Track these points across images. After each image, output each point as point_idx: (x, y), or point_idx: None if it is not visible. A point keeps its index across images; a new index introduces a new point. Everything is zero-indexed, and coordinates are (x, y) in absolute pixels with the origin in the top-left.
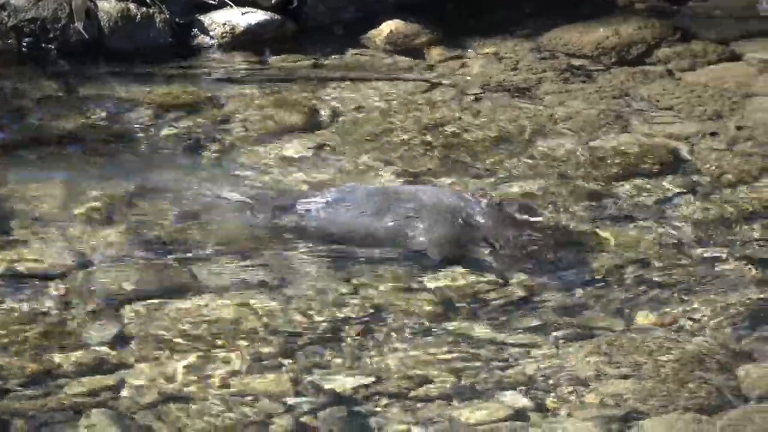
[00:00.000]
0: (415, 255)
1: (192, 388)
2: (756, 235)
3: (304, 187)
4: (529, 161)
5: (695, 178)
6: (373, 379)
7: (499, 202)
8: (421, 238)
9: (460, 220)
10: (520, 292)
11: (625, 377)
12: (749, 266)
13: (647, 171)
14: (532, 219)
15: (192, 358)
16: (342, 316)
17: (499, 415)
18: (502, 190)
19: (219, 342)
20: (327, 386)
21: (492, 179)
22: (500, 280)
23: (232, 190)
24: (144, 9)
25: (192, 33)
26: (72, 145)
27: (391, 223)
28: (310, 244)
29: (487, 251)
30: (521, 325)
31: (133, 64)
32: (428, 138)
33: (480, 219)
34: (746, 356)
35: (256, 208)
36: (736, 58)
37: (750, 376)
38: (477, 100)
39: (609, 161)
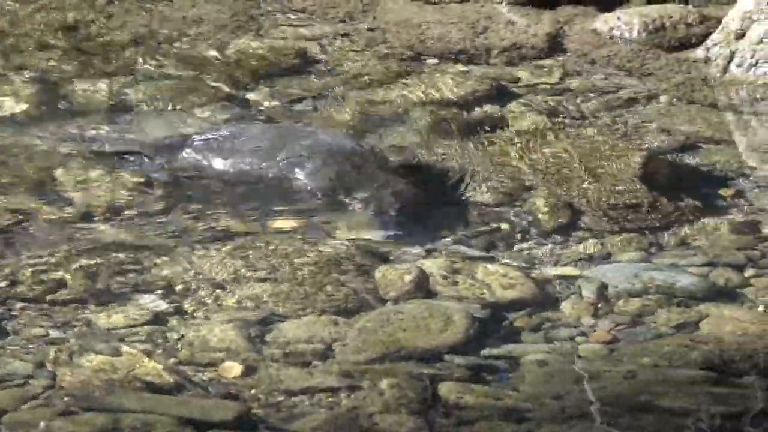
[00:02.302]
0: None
1: None
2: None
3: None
4: (164, 64)
5: (329, 80)
6: (7, 282)
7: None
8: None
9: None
10: (158, 199)
11: (263, 280)
12: None
13: (281, 73)
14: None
15: None
16: None
17: (137, 319)
18: (129, 95)
19: None
20: None
21: (126, 81)
22: (142, 187)
23: None
24: None
25: None
26: None
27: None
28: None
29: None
30: (158, 230)
31: None
32: (62, 42)
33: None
34: (382, 258)
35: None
36: None
37: (386, 277)
38: (110, 2)
39: (242, 64)
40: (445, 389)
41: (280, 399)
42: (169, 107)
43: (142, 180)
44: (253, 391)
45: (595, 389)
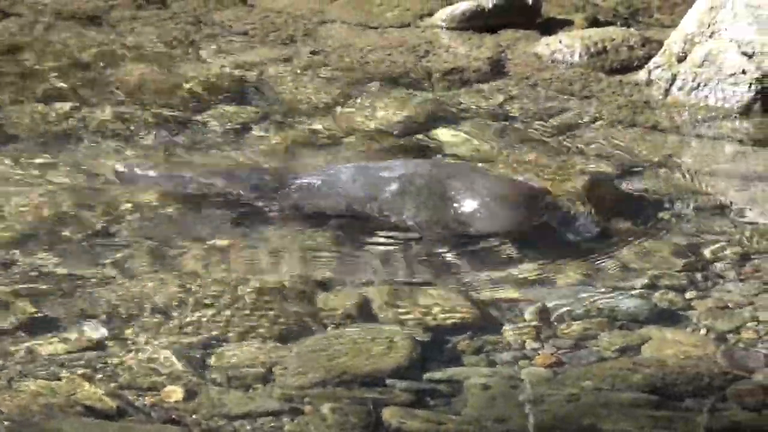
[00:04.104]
0: None
1: None
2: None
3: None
4: (103, 90)
5: (270, 104)
6: None
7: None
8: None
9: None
10: (100, 223)
11: (205, 306)
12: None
13: (222, 98)
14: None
15: None
16: None
17: (77, 346)
18: (85, 115)
19: None
20: None
21: (68, 108)
22: (83, 213)
23: None
24: None
25: None
26: None
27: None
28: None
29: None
30: (99, 257)
31: None
32: (2, 68)
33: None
34: (324, 285)
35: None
36: None
37: (328, 303)
38: (47, 28)
39: (183, 89)
40: (388, 414)
41: (221, 423)
42: (110, 133)
43: (84, 205)
44: (194, 416)
45: (537, 412)
